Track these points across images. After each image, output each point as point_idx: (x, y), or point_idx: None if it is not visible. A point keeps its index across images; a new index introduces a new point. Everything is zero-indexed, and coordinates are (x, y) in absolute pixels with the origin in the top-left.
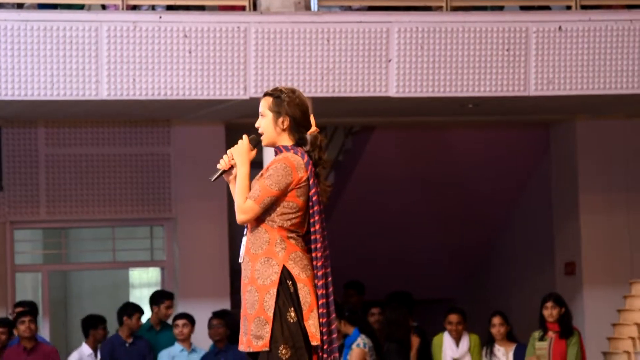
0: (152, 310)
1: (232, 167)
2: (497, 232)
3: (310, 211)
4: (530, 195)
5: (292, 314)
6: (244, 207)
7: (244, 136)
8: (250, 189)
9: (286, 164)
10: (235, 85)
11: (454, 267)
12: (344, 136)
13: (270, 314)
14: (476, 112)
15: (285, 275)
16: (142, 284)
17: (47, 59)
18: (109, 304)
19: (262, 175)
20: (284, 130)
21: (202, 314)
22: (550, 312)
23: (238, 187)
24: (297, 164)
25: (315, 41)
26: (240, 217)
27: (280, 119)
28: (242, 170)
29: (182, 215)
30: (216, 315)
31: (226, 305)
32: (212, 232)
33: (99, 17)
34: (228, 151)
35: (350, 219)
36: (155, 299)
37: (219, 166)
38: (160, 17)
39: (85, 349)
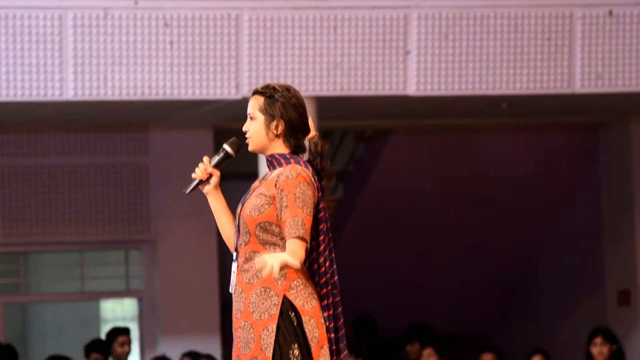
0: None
1: (210, 176)
2: (538, 255)
3: (320, 227)
4: (577, 211)
5: (296, 352)
6: (297, 250)
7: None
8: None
9: (307, 181)
10: (225, 83)
11: (486, 296)
12: (354, 143)
13: (269, 353)
14: (511, 114)
15: (287, 307)
16: (116, 318)
17: (1, 52)
18: (76, 342)
19: (258, 193)
20: (277, 136)
21: None
22: (600, 349)
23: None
24: (309, 177)
25: (319, 30)
26: (298, 264)
27: (274, 123)
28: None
29: (162, 237)
30: (186, 355)
31: (216, 343)
32: (198, 257)
33: (63, 2)
34: (204, 158)
35: (361, 241)
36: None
37: (194, 175)
38: (136, 3)
39: None
